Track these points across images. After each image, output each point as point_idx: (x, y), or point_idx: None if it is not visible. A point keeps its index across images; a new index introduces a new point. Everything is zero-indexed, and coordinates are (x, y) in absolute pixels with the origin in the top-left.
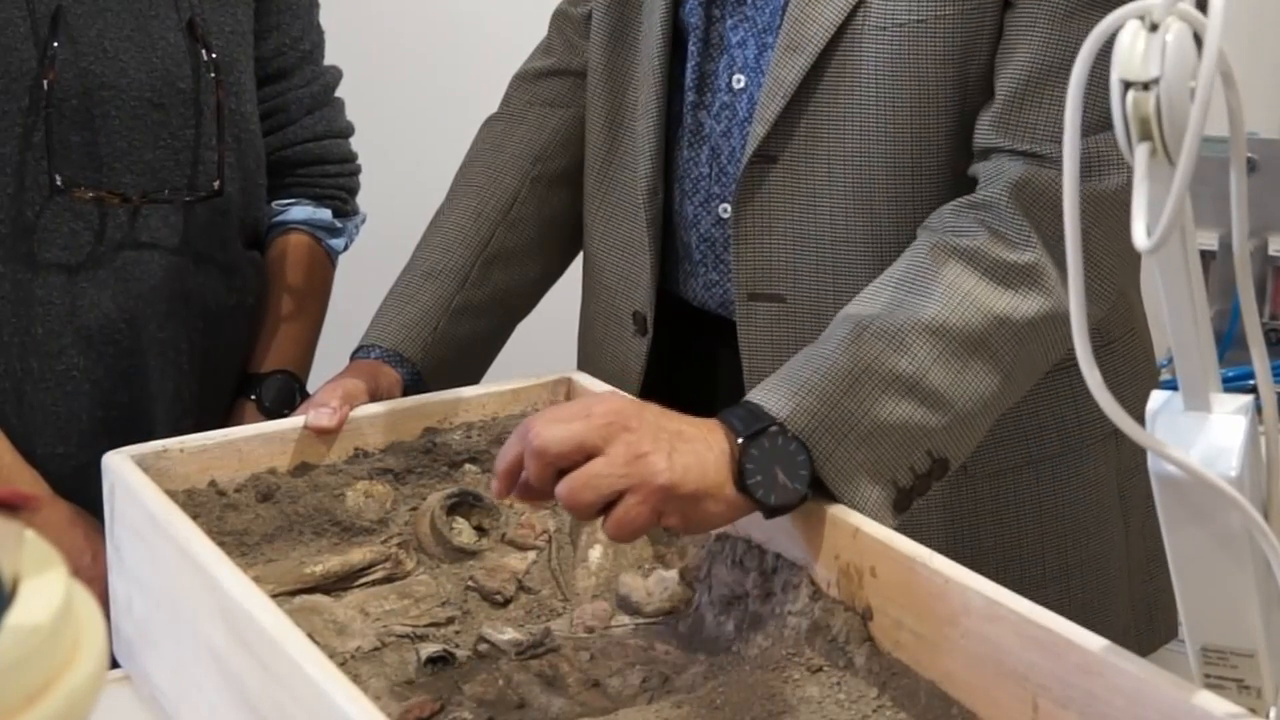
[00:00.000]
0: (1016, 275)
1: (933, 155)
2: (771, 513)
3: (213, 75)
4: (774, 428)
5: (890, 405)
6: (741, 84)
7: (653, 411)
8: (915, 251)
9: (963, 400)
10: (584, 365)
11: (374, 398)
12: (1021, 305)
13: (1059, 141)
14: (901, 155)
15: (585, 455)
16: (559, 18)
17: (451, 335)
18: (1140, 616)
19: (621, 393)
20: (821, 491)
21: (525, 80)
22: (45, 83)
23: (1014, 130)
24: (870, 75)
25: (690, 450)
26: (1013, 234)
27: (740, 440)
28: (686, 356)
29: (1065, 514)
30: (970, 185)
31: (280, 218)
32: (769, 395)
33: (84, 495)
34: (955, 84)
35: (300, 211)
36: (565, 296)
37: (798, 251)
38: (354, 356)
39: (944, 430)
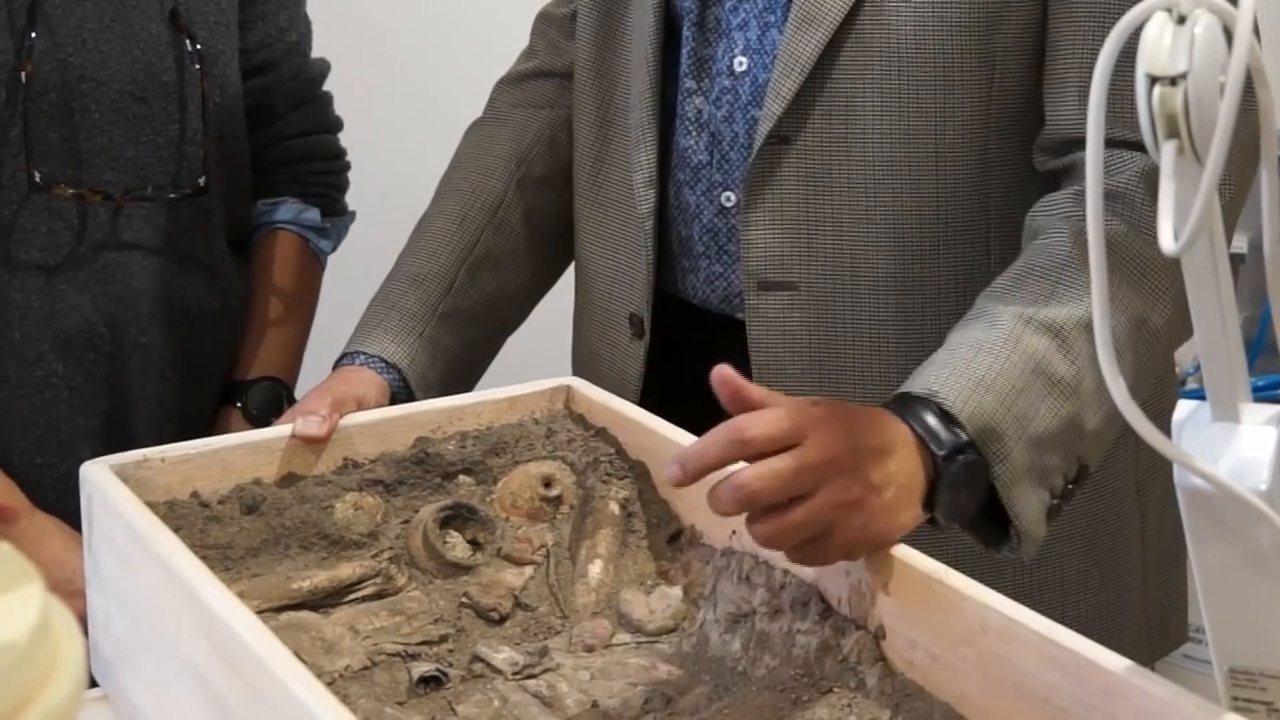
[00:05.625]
0: (1156, 273)
1: (956, 131)
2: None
3: (197, 67)
4: (970, 448)
5: (1056, 407)
6: (744, 66)
7: (860, 436)
8: (1057, 239)
9: (1109, 403)
10: (579, 372)
11: (362, 406)
12: (1157, 306)
13: None
14: (924, 131)
15: (791, 498)
16: (541, 20)
17: (438, 342)
18: (1153, 620)
19: (826, 404)
20: None
21: (509, 84)
22: (23, 76)
23: (1116, 120)
24: (892, 49)
25: (892, 486)
26: (1150, 228)
27: (936, 460)
28: (686, 358)
29: (1084, 513)
30: (1003, 166)
31: (266, 217)
32: (949, 388)
33: (64, 506)
34: (981, 56)
35: (287, 210)
36: (561, 301)
37: (812, 236)
38: (338, 364)
39: (1093, 436)
